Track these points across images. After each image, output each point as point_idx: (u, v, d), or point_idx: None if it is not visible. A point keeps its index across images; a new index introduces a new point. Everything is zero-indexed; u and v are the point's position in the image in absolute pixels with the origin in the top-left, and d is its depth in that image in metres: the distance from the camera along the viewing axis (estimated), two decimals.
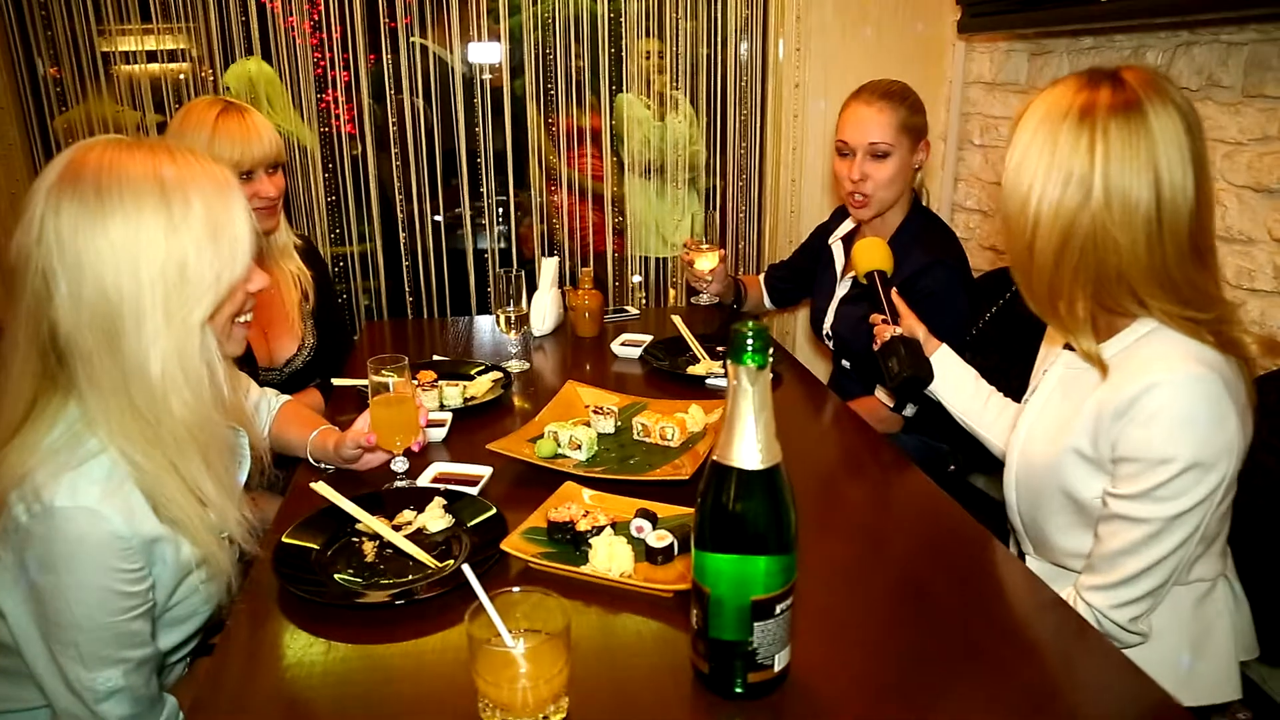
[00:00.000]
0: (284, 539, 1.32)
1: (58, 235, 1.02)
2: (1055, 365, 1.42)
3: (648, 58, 3.09)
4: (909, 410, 2.11)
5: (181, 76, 2.81)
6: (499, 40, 2.92)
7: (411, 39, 2.85)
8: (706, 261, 2.41)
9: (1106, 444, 1.25)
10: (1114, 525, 1.25)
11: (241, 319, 1.22)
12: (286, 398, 1.74)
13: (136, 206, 1.04)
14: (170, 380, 1.09)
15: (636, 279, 3.30)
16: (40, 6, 2.66)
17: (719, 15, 3.05)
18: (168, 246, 1.06)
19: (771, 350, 0.93)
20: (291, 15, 2.77)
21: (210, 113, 1.84)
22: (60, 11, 2.67)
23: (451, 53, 2.89)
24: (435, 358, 2.15)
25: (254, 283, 1.20)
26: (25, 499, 1.03)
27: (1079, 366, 1.34)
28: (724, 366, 2.05)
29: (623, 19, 2.99)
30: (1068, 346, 1.39)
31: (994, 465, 2.69)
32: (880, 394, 2.12)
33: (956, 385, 1.69)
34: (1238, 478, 1.23)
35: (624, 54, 3.03)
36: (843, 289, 2.31)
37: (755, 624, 0.96)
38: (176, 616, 1.22)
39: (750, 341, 0.90)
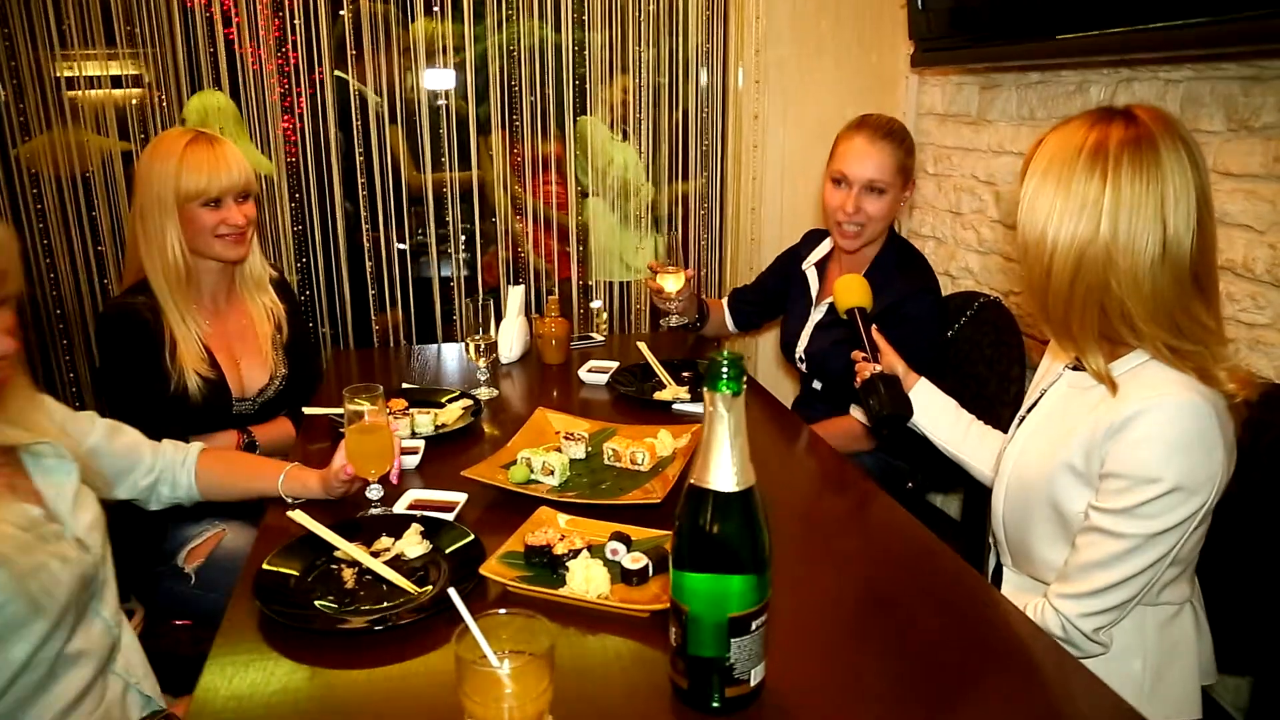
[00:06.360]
0: (264, 566, 1.33)
1: None
2: (1058, 383, 1.46)
3: (624, 91, 3.13)
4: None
5: (134, 102, 2.78)
6: (464, 69, 2.95)
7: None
8: (673, 282, 2.39)
9: (1097, 460, 1.29)
10: (1092, 537, 1.29)
11: None
12: (198, 446, 1.67)
13: None
14: None
15: (596, 304, 3.33)
16: (4, 37, 2.63)
17: (679, 46, 3.11)
18: None
19: (745, 377, 0.97)
20: (247, 44, 2.76)
21: (179, 142, 1.87)
22: (23, 37, 2.62)
23: (415, 79, 2.92)
24: (404, 386, 2.17)
25: None
26: None
27: (1081, 385, 1.38)
28: (690, 392, 2.10)
29: (586, 50, 3.04)
30: (1072, 366, 1.43)
31: (951, 484, 2.79)
32: (856, 412, 2.18)
33: (937, 418, 1.73)
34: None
35: (587, 84, 3.08)
36: (818, 314, 2.34)
37: (732, 640, 1.00)
38: None
39: (726, 370, 0.95)
